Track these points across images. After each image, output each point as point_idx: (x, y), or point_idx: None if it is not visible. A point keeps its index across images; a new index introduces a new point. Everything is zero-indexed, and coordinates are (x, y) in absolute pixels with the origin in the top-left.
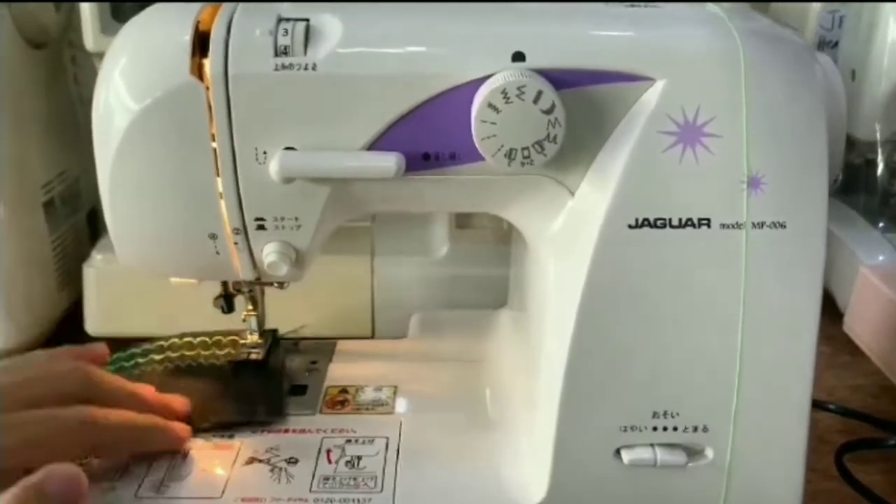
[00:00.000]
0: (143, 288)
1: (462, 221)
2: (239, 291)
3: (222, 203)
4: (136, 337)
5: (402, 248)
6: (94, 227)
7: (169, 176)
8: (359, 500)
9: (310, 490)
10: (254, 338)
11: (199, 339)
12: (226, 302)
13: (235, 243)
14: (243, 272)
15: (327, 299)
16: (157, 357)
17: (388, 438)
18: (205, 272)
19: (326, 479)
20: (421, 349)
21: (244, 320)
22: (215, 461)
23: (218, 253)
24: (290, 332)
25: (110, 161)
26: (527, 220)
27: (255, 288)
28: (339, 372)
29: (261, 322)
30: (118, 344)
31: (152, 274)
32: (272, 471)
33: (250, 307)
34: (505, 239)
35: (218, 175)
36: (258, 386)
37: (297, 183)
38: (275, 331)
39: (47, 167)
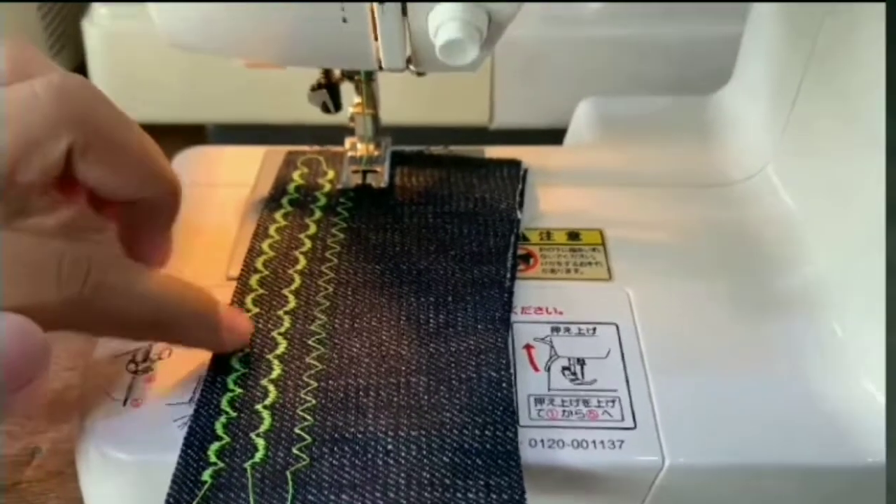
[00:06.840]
0: (168, 56)
1: None
2: (349, 78)
3: None
4: (158, 124)
5: None
6: None
7: None
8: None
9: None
10: (367, 148)
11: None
12: (330, 94)
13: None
14: (386, 57)
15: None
16: None
17: (617, 326)
18: (311, 53)
19: (539, 400)
20: (616, 160)
21: (351, 120)
22: None
23: (345, 21)
24: None
25: None
26: None
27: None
28: None
29: (377, 121)
30: None
31: (213, 52)
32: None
33: (358, 100)
34: None
35: None
36: None
37: None
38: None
39: None
